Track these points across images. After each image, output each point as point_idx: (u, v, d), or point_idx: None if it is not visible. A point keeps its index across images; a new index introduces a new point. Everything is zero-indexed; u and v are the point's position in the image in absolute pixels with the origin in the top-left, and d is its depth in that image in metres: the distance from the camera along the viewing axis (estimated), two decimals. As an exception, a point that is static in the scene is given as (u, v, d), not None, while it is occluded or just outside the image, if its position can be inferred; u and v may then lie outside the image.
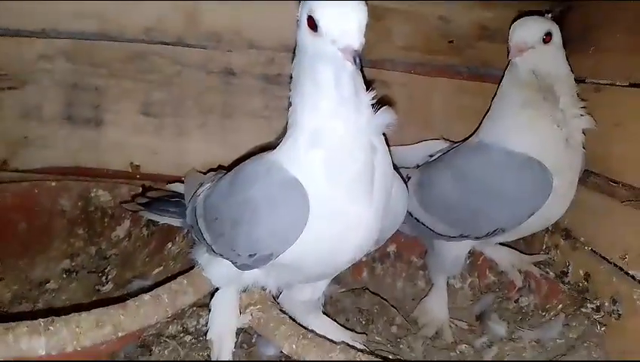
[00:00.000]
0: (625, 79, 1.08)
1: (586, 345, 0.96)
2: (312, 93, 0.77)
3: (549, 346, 1.03)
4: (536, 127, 1.04)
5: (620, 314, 1.00)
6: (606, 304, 1.04)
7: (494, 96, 1.15)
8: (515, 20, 1.08)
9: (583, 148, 1.08)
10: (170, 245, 1.25)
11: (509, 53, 1.06)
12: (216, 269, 0.94)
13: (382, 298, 1.22)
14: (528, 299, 1.19)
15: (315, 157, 0.77)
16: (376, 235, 0.86)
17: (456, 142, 1.27)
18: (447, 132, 1.37)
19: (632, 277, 0.99)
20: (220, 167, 1.22)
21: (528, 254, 1.28)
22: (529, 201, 1.03)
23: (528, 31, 1.03)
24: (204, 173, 1.24)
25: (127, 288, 1.17)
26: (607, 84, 1.14)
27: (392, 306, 1.20)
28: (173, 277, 0.96)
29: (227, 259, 0.88)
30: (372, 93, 0.79)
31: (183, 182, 1.25)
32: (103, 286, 1.24)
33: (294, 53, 0.81)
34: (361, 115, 0.77)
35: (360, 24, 0.69)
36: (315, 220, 0.77)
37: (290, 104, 0.83)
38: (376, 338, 1.12)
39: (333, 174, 0.77)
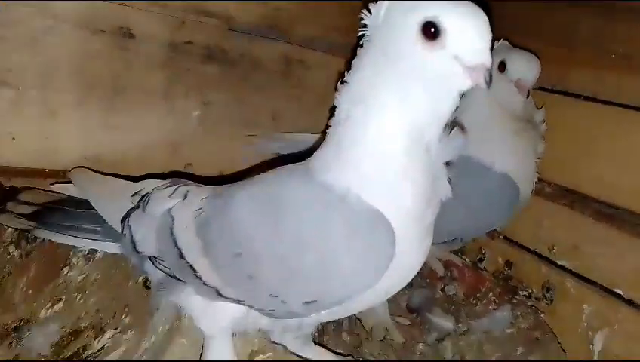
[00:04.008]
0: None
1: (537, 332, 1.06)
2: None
3: (500, 337, 1.10)
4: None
5: (552, 301, 1.13)
6: (534, 290, 1.17)
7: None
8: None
9: None
10: (67, 270, 0.92)
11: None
12: (217, 316, 0.72)
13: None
14: (455, 288, 1.25)
15: (404, 189, 0.63)
16: None
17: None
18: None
19: (562, 267, 1.13)
20: (173, 174, 0.91)
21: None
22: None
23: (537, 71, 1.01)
24: (106, 175, 0.94)
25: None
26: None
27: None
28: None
29: (251, 305, 0.68)
30: None
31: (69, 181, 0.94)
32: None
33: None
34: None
35: None
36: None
37: (337, 109, 0.67)
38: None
39: (418, 210, 0.65)
